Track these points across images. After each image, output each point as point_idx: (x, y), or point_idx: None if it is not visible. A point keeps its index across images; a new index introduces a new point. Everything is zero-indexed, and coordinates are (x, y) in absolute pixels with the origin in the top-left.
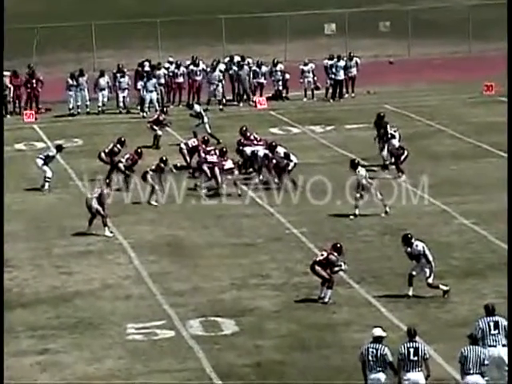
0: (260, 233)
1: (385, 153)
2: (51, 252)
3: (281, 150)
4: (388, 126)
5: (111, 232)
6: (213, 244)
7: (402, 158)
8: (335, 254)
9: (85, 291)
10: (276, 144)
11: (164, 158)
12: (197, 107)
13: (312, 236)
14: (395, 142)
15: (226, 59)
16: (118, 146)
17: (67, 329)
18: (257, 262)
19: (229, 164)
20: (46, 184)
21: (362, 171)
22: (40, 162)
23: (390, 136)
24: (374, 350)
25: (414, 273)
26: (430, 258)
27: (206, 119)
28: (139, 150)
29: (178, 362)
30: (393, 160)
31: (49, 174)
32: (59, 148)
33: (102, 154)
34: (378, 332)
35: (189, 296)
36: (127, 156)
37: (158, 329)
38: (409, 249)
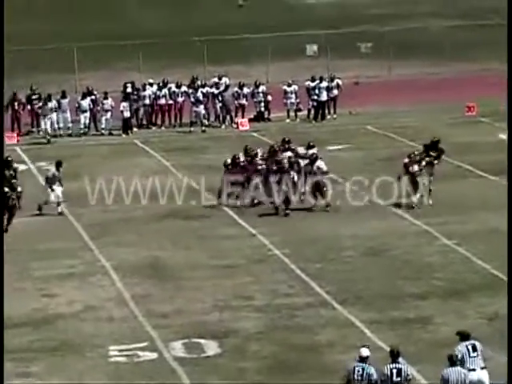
0: (242, 254)
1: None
2: (32, 274)
3: (321, 164)
4: None
5: None
6: (195, 265)
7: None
8: None
9: (67, 313)
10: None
11: None
12: None
13: (295, 257)
14: (322, 165)
15: (213, 80)
16: None
17: (49, 351)
18: (239, 284)
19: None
20: (59, 208)
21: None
22: (46, 186)
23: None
24: (361, 369)
25: None
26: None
27: None
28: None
29: None
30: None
31: (52, 197)
32: (58, 164)
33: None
34: (365, 352)
35: (171, 318)
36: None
37: (140, 351)
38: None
